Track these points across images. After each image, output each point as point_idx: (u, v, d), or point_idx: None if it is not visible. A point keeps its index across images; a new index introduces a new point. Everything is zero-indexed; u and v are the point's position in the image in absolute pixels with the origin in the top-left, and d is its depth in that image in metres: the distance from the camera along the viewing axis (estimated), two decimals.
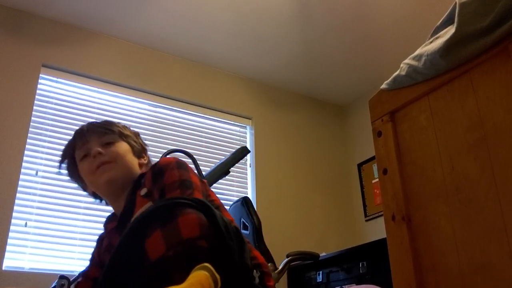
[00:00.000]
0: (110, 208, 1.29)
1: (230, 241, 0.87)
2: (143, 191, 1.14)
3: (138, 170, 1.26)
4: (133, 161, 1.25)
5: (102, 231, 1.35)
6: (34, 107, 2.84)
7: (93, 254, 1.30)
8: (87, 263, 2.49)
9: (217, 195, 1.24)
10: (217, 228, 0.87)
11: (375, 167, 3.71)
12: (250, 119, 3.69)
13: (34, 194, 2.69)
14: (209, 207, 0.89)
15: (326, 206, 3.76)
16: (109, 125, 1.27)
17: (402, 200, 1.17)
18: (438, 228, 1.08)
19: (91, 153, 1.20)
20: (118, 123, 1.31)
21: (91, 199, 2.96)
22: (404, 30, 3.23)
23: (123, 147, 1.24)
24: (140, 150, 1.29)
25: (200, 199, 0.91)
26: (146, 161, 1.30)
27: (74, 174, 1.28)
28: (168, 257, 0.82)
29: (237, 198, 2.65)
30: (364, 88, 3.97)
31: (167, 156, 1.20)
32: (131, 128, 1.35)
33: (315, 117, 4.05)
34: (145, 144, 1.34)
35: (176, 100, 3.37)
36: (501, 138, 0.98)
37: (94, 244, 2.80)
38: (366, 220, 3.70)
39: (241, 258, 0.89)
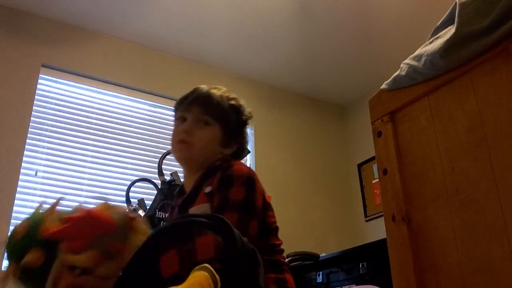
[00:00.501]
0: None
1: (245, 264, 0.87)
2: (208, 189, 1.15)
3: (217, 157, 1.24)
4: (215, 150, 1.24)
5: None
6: (34, 107, 2.84)
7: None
8: None
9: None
10: (233, 251, 0.86)
11: (375, 167, 3.71)
12: (250, 118, 3.69)
13: (34, 195, 2.69)
14: (230, 230, 0.88)
15: (326, 207, 3.75)
16: (215, 104, 1.24)
17: (402, 201, 1.17)
18: (438, 229, 1.08)
19: (181, 126, 1.21)
20: (232, 99, 1.29)
21: (91, 199, 2.95)
22: (404, 30, 3.23)
23: (213, 134, 1.23)
24: (230, 142, 1.27)
25: (223, 219, 0.89)
26: (231, 152, 1.27)
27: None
28: (182, 276, 0.82)
29: None
30: (364, 88, 3.96)
31: (240, 165, 1.19)
32: (246, 111, 1.32)
33: (315, 117, 4.04)
34: (243, 136, 1.30)
35: (176, 101, 3.36)
36: (501, 139, 0.98)
37: None
38: (366, 221, 3.70)
39: (255, 280, 0.89)
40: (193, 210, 1.14)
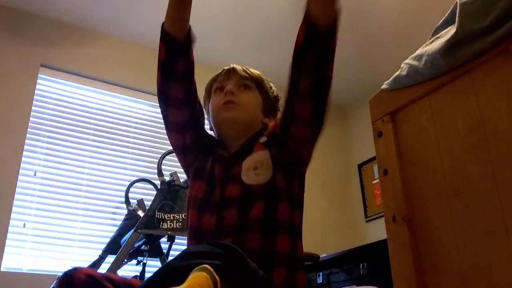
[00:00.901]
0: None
1: None
2: (263, 139, 1.18)
3: (259, 125, 1.26)
4: (259, 115, 1.26)
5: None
6: (33, 107, 2.84)
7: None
8: (86, 264, 2.48)
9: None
10: (245, 279, 0.84)
11: (375, 168, 3.70)
12: None
13: (32, 195, 2.68)
14: (244, 261, 0.85)
15: (326, 207, 3.75)
16: (253, 73, 1.29)
17: (403, 201, 1.17)
18: (439, 229, 1.08)
19: (225, 88, 1.22)
20: (261, 75, 1.33)
21: (90, 200, 2.95)
22: (405, 29, 3.22)
23: (255, 98, 1.26)
24: (270, 111, 1.29)
25: (234, 249, 0.86)
26: (269, 123, 1.29)
27: (205, 106, 1.31)
28: None
29: None
30: (364, 88, 3.96)
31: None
32: (274, 90, 1.36)
33: None
34: (279, 110, 1.31)
35: None
36: (502, 139, 0.98)
37: (93, 245, 2.80)
38: (367, 221, 3.70)
39: None
40: (251, 157, 1.13)
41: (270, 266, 1.03)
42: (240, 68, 1.28)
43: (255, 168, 1.11)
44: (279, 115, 1.27)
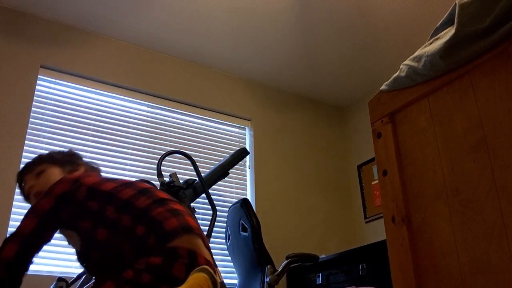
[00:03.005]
0: None
1: None
2: None
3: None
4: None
5: None
6: (33, 108, 2.84)
7: None
8: None
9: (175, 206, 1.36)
10: None
11: (375, 169, 3.70)
12: (249, 120, 3.69)
13: None
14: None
15: (325, 208, 3.75)
16: (37, 158, 1.45)
17: (402, 202, 1.17)
18: (438, 230, 1.08)
19: (30, 191, 1.38)
20: (48, 153, 1.50)
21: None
22: (404, 30, 3.23)
23: (52, 171, 1.41)
24: (72, 165, 1.47)
25: None
26: (83, 169, 1.47)
27: None
28: None
29: (236, 200, 2.65)
30: (363, 89, 3.97)
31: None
32: (63, 150, 1.56)
33: (314, 119, 4.04)
34: (77, 158, 1.52)
35: (175, 102, 3.37)
36: (501, 140, 0.98)
37: None
38: (366, 222, 3.70)
39: None
40: None
41: None
42: (25, 169, 1.43)
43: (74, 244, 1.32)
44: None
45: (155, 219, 1.19)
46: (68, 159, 1.47)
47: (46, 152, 1.51)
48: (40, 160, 1.43)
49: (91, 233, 1.22)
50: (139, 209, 1.23)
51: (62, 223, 1.26)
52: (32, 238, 1.20)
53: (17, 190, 2.62)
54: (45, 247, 2.61)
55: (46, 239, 1.25)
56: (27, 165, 1.44)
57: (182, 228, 1.18)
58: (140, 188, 1.31)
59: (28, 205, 1.52)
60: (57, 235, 2.68)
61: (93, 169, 1.57)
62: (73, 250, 2.69)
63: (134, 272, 1.09)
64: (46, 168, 1.40)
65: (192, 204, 2.38)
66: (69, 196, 1.27)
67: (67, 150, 1.55)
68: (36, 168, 1.41)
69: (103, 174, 2.96)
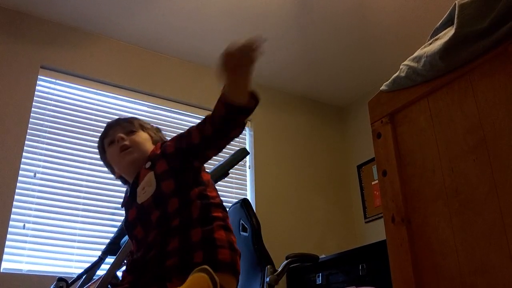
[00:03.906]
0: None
1: None
2: (147, 164, 1.33)
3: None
4: (150, 147, 1.42)
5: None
6: (33, 109, 2.84)
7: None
8: (85, 265, 2.48)
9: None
10: None
11: (374, 169, 3.70)
12: (249, 120, 3.69)
13: (32, 196, 2.69)
14: None
15: (325, 208, 3.75)
16: (132, 119, 1.49)
17: (402, 202, 1.17)
18: (437, 230, 1.08)
19: (115, 139, 1.40)
20: (140, 119, 1.53)
21: (90, 201, 2.95)
22: (403, 31, 3.23)
23: (142, 135, 1.44)
24: (158, 140, 1.48)
25: None
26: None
27: (105, 161, 1.48)
28: None
29: (236, 200, 2.65)
30: (363, 89, 3.97)
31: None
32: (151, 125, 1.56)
33: (314, 119, 4.04)
34: (164, 137, 1.54)
35: (175, 102, 3.37)
36: (500, 140, 0.98)
37: (92, 245, 2.80)
38: (366, 222, 3.70)
39: None
40: (141, 184, 1.31)
41: (163, 263, 1.17)
42: (120, 121, 1.48)
43: (143, 189, 1.30)
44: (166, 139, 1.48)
45: (214, 241, 1.20)
46: (156, 134, 1.52)
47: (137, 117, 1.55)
48: (132, 122, 1.47)
49: (186, 188, 1.26)
50: (210, 213, 1.24)
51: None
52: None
53: (17, 190, 2.62)
54: (45, 247, 2.62)
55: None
56: (120, 120, 1.48)
57: (231, 266, 1.18)
58: (221, 200, 1.34)
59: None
60: (53, 235, 2.68)
61: None
62: (73, 250, 2.69)
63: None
64: (138, 130, 1.45)
65: None
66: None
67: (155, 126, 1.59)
68: (128, 126, 1.45)
69: (102, 175, 2.96)
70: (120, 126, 1.45)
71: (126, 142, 1.39)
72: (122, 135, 1.41)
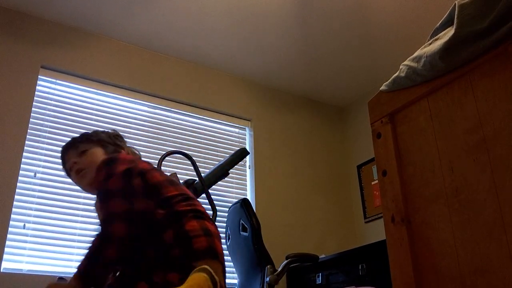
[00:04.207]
0: None
1: None
2: None
3: None
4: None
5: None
6: (33, 109, 2.84)
7: None
8: None
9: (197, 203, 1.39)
10: None
11: (374, 169, 3.71)
12: (249, 120, 3.69)
13: (33, 196, 2.69)
14: None
15: (325, 208, 3.75)
16: (82, 136, 1.49)
17: (402, 202, 1.17)
18: (437, 230, 1.08)
19: (71, 167, 1.44)
20: (94, 131, 1.53)
21: (90, 201, 2.94)
22: (403, 31, 3.23)
23: (94, 153, 1.45)
24: (114, 149, 1.49)
25: None
26: (125, 152, 1.50)
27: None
28: None
29: (236, 200, 2.65)
30: (363, 89, 3.97)
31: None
32: (108, 130, 1.57)
33: (314, 119, 4.05)
34: (120, 140, 1.54)
35: (175, 102, 3.37)
36: (500, 140, 0.98)
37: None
38: (366, 222, 3.70)
39: None
40: None
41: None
42: (70, 143, 1.49)
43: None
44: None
45: (187, 233, 1.20)
46: (112, 141, 1.52)
47: (91, 131, 1.55)
48: (84, 139, 1.48)
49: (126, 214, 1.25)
50: (176, 212, 1.24)
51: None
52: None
53: (17, 190, 2.63)
54: (45, 247, 2.62)
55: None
56: (72, 141, 1.49)
57: (210, 251, 1.19)
58: (184, 192, 1.32)
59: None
60: (53, 235, 2.68)
61: (134, 154, 1.59)
62: (73, 250, 2.70)
63: (149, 286, 1.11)
64: (90, 147, 1.44)
65: None
66: (130, 173, 1.30)
67: (112, 131, 1.57)
68: (80, 146, 1.46)
69: None
70: (72, 149, 1.47)
71: (80, 166, 1.42)
72: (74, 160, 1.44)
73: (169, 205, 1.26)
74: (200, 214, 1.28)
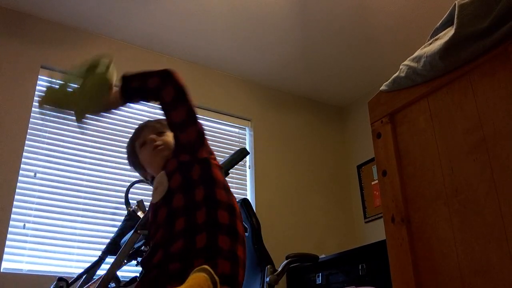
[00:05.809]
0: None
1: None
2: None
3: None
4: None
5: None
6: (33, 108, 2.84)
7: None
8: (86, 264, 2.49)
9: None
10: None
11: (374, 169, 3.71)
12: (249, 120, 3.69)
13: (33, 196, 2.69)
14: None
15: (325, 208, 3.75)
16: (161, 120, 1.55)
17: (402, 202, 1.17)
18: (437, 230, 1.08)
19: (147, 140, 1.48)
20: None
21: (90, 201, 2.95)
22: (403, 31, 3.23)
23: (171, 136, 1.49)
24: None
25: None
26: None
27: (134, 163, 1.55)
28: None
29: (236, 200, 2.65)
30: (363, 89, 3.97)
31: None
32: None
33: (314, 119, 4.05)
34: None
35: None
36: (500, 140, 0.98)
37: (93, 245, 2.80)
38: (366, 222, 3.70)
39: None
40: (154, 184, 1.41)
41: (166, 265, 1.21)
42: (148, 123, 1.56)
43: (156, 188, 1.36)
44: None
45: (216, 248, 1.21)
46: None
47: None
48: (161, 122, 1.55)
49: (193, 185, 1.29)
50: (215, 221, 1.26)
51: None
52: None
53: (17, 190, 2.62)
54: (45, 247, 2.62)
55: None
56: (149, 122, 1.56)
57: (230, 280, 1.17)
58: (228, 200, 1.37)
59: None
60: (53, 235, 2.68)
61: None
62: (73, 250, 2.70)
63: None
64: (167, 130, 1.51)
65: None
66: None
67: None
68: (157, 128, 1.52)
69: (103, 175, 2.97)
70: (150, 128, 1.53)
71: (158, 142, 1.47)
72: (153, 136, 1.48)
73: (214, 206, 1.32)
74: (234, 231, 1.31)
